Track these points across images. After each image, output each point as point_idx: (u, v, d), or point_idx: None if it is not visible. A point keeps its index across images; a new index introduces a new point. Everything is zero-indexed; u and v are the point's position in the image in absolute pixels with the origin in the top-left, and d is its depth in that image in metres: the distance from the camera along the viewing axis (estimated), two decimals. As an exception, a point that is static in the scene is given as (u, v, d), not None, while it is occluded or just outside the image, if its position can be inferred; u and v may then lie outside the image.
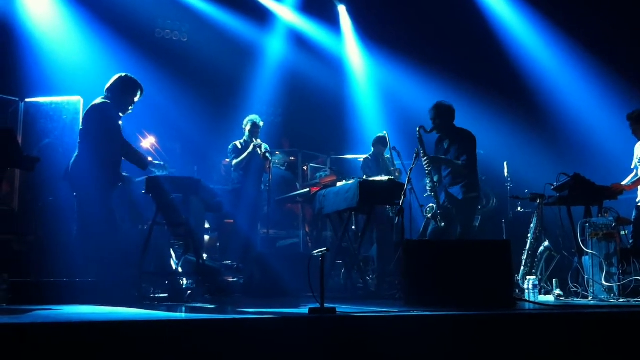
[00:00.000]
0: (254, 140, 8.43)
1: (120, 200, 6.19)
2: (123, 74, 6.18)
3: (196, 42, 10.96)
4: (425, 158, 6.79)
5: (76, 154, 5.95)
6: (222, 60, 10.73)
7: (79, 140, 5.99)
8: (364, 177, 7.93)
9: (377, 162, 8.68)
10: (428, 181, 6.82)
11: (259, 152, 8.32)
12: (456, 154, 6.87)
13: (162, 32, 10.96)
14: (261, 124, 8.63)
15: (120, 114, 6.13)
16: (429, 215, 6.81)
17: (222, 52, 10.73)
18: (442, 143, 7.09)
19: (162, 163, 6.47)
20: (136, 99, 6.21)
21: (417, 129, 6.85)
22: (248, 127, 8.57)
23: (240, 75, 11.19)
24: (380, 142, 8.72)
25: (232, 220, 8.62)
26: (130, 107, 6.20)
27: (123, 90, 6.12)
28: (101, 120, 5.94)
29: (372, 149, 8.81)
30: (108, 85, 6.12)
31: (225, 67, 10.82)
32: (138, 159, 6.22)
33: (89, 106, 6.07)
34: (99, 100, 6.06)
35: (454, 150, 6.91)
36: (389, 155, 8.56)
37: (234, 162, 8.49)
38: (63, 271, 5.96)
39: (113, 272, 5.62)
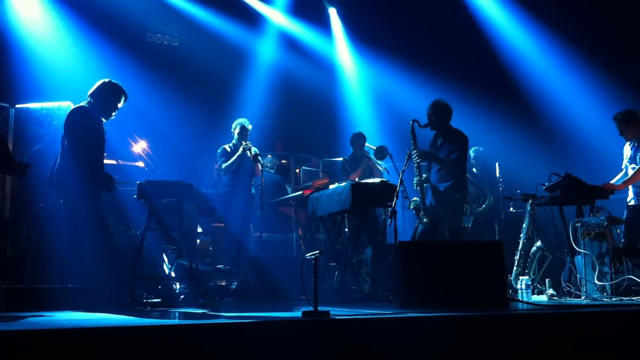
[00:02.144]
0: (243, 142, 8.43)
1: (111, 205, 6.16)
2: (107, 80, 6.13)
3: (187, 46, 10.95)
4: (415, 151, 6.78)
5: (59, 160, 5.90)
6: (213, 64, 10.72)
7: (60, 147, 5.93)
8: (351, 179, 7.95)
9: (355, 163, 8.64)
10: (416, 174, 6.81)
11: (249, 154, 8.32)
12: (447, 153, 6.87)
13: (153, 37, 10.94)
14: (250, 126, 8.64)
15: (103, 119, 6.09)
16: (412, 207, 6.80)
17: (213, 55, 10.72)
18: (435, 141, 7.09)
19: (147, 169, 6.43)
20: (120, 105, 6.15)
21: (411, 122, 6.84)
22: (237, 130, 8.58)
23: (232, 78, 11.19)
24: (356, 139, 8.69)
25: (221, 224, 8.61)
26: (113, 113, 6.13)
27: (107, 96, 6.06)
28: (80, 125, 5.87)
29: (352, 148, 8.79)
30: (91, 90, 6.05)
31: (217, 70, 10.81)
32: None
33: (72, 110, 6.01)
34: (80, 104, 6.02)
35: (445, 148, 6.91)
36: (372, 157, 8.53)
37: (224, 165, 8.49)
38: (56, 277, 5.93)
39: (105, 278, 5.59)
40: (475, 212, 8.91)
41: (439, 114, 6.95)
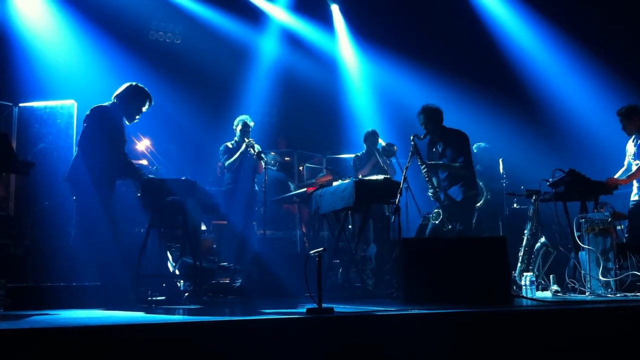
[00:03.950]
0: (245, 140, 8.44)
1: (116, 203, 6.17)
2: (134, 83, 6.09)
3: (190, 44, 10.95)
4: (423, 166, 6.80)
5: (74, 156, 5.90)
6: (216, 62, 10.72)
7: (78, 142, 5.93)
8: (359, 175, 7.96)
9: (369, 159, 8.67)
10: (429, 187, 6.83)
11: (252, 151, 8.33)
12: (452, 156, 6.87)
13: (156, 35, 10.95)
14: (252, 123, 8.64)
15: (127, 122, 6.08)
16: (437, 222, 6.77)
17: (216, 53, 10.72)
18: (435, 146, 7.08)
19: (153, 167, 6.42)
20: (144, 109, 6.11)
21: (412, 138, 6.85)
22: (239, 128, 8.58)
23: (234, 76, 11.19)
24: (369, 136, 8.73)
25: (224, 221, 8.62)
26: (137, 117, 6.12)
27: (132, 99, 6.03)
28: (103, 122, 5.86)
29: (364, 145, 8.82)
30: (117, 92, 6.03)
31: (219, 68, 10.82)
32: (131, 172, 6.16)
33: (92, 107, 5.97)
34: (100, 104, 6.01)
35: (449, 152, 6.91)
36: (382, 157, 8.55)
37: (227, 163, 8.50)
38: (60, 275, 5.95)
39: (111, 276, 5.60)
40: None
41: (433, 119, 6.95)
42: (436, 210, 6.85)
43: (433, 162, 6.96)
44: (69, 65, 9.13)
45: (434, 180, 6.92)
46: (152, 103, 6.18)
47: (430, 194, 6.86)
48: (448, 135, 6.96)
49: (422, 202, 7.55)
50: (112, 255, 5.67)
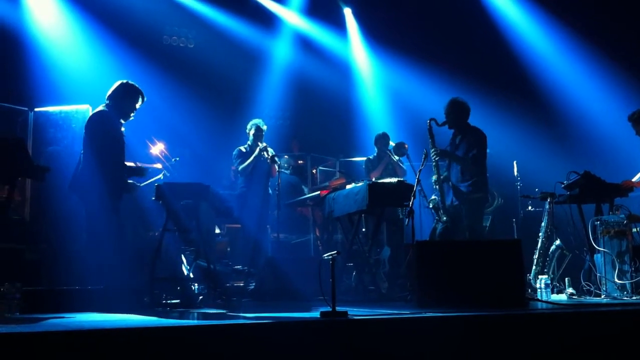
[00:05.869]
0: (259, 144, 8.45)
1: (131, 207, 6.20)
2: (124, 81, 6.17)
3: (203, 48, 11.00)
4: (433, 150, 6.81)
5: (81, 164, 5.95)
6: (229, 66, 10.75)
7: (82, 150, 5.99)
8: (371, 177, 7.96)
9: (380, 162, 8.68)
10: (435, 173, 6.82)
11: (266, 155, 8.34)
12: (465, 150, 6.87)
13: (170, 39, 11.02)
14: (265, 127, 8.65)
15: (122, 121, 6.13)
16: (431, 206, 6.81)
17: (229, 57, 10.76)
18: (454, 140, 7.10)
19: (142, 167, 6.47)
20: (137, 106, 6.18)
21: (428, 121, 6.89)
22: (252, 132, 8.60)
23: (248, 80, 11.22)
24: (380, 139, 8.74)
25: (238, 225, 8.63)
26: (131, 114, 6.17)
27: (124, 97, 6.10)
28: (101, 128, 5.91)
29: (375, 148, 8.83)
30: (109, 92, 6.11)
31: (232, 72, 10.84)
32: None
33: (91, 115, 6.06)
34: (99, 108, 6.07)
35: (463, 146, 6.92)
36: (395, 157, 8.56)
37: (240, 167, 8.51)
38: (75, 279, 5.98)
39: (124, 279, 5.63)
40: (485, 212, 8.89)
41: (456, 112, 6.97)
42: (434, 197, 6.85)
43: (444, 149, 6.95)
44: (83, 70, 9.18)
45: (445, 173, 6.91)
46: (145, 99, 6.23)
47: (433, 180, 6.85)
48: (468, 132, 6.98)
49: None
50: (120, 260, 5.69)
